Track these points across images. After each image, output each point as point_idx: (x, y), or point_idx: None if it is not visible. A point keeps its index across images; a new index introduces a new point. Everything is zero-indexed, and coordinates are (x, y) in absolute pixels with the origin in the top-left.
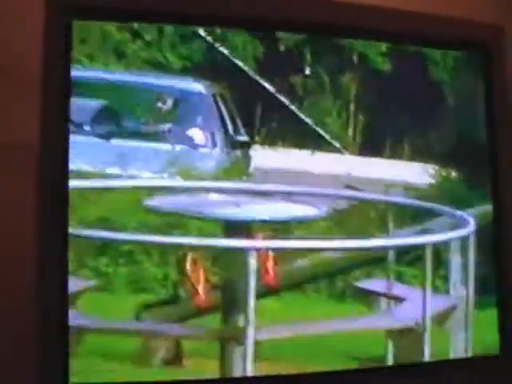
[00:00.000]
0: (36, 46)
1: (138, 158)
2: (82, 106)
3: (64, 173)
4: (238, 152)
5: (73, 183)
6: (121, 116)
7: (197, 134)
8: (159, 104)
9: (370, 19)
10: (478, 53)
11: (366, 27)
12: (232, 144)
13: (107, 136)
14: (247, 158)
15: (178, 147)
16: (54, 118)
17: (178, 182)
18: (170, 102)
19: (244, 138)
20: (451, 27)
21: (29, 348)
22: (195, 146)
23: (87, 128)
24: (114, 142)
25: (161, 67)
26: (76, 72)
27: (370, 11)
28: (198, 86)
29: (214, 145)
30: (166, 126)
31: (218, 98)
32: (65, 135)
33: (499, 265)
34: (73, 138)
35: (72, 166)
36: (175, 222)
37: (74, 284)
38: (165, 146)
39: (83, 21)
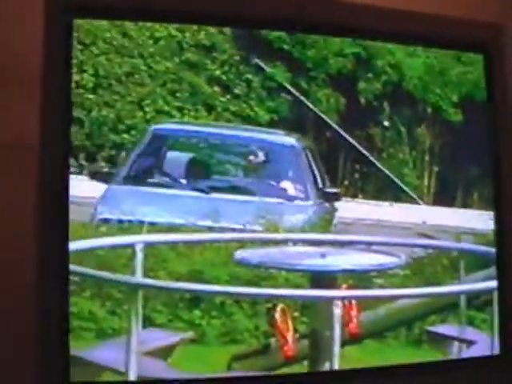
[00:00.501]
0: (36, 45)
1: (229, 211)
2: (173, 159)
3: (64, 172)
4: (327, 204)
5: (165, 237)
6: (212, 170)
7: (289, 187)
8: (251, 157)
9: (370, 19)
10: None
11: (366, 27)
12: (321, 196)
13: (198, 189)
14: (333, 210)
15: (269, 200)
16: (54, 118)
17: (269, 235)
18: (261, 156)
19: (333, 189)
20: (451, 27)
21: (29, 348)
22: (288, 199)
23: (178, 181)
24: (205, 195)
25: (249, 120)
26: (167, 125)
27: (370, 11)
28: (290, 140)
29: (306, 197)
30: (258, 180)
31: (307, 151)
32: (65, 135)
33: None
34: (164, 190)
35: (164, 219)
36: (264, 273)
37: (169, 336)
38: (255, 199)
39: (83, 19)
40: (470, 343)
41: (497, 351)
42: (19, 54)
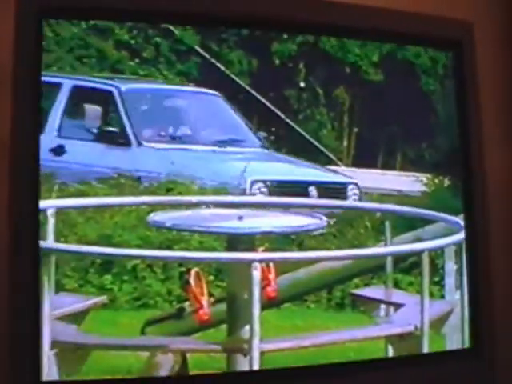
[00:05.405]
0: (7, 44)
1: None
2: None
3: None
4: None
5: (74, 201)
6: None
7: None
8: None
9: (342, 16)
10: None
11: (341, 25)
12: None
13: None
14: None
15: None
16: (25, 114)
17: (182, 198)
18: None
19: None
20: (423, 24)
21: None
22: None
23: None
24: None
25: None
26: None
27: (345, 9)
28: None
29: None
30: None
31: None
32: (35, 130)
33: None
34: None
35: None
36: (177, 237)
37: (80, 301)
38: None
39: (54, 19)
40: (397, 306)
41: (428, 313)
42: None
